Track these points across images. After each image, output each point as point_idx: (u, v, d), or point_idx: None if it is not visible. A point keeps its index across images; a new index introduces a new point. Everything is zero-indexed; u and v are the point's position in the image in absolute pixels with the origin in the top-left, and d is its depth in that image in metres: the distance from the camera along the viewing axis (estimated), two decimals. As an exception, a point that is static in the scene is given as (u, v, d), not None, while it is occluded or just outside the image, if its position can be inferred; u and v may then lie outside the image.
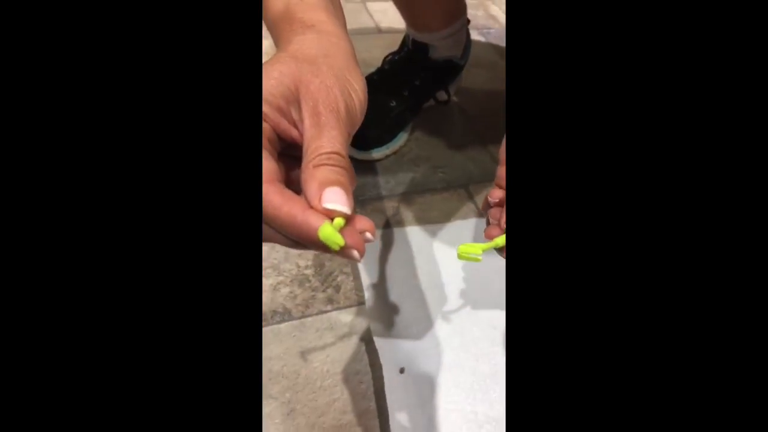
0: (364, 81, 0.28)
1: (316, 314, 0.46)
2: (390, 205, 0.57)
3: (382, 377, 0.41)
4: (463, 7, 0.66)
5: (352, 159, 0.60)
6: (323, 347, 0.43)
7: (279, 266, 0.49)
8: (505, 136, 0.35)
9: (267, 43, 0.73)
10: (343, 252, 0.22)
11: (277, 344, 0.43)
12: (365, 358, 0.43)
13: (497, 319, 0.47)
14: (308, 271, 0.49)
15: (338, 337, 0.44)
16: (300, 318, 0.45)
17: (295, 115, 0.25)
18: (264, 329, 0.44)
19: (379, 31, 0.92)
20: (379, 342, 0.43)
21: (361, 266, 0.49)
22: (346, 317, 0.46)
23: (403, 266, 0.50)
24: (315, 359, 0.42)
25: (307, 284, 0.48)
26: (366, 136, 0.61)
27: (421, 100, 0.67)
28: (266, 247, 0.50)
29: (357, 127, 0.27)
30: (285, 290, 0.47)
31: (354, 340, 0.44)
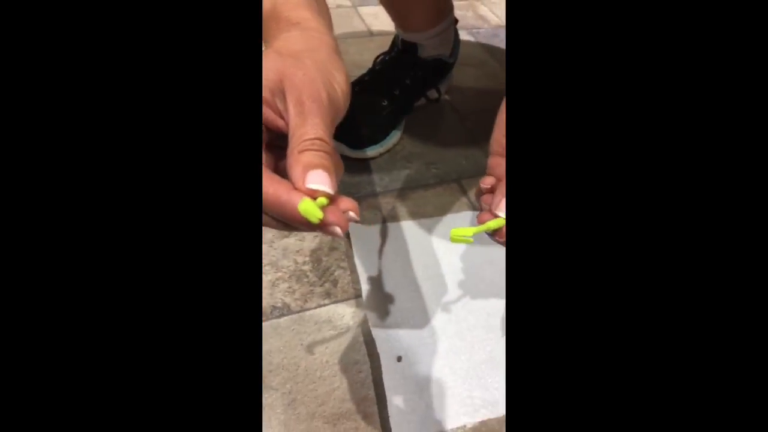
0: (347, 73, 0.29)
1: (315, 308, 0.47)
2: (385, 202, 0.58)
3: (380, 366, 0.42)
4: (449, 7, 0.67)
5: (346, 157, 0.61)
6: (322, 339, 0.44)
7: (277, 263, 0.50)
8: (494, 130, 0.36)
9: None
10: (325, 228, 0.24)
11: (277, 338, 0.44)
12: (363, 349, 0.44)
13: (491, 306, 0.48)
14: (306, 267, 0.50)
15: (336, 329, 0.45)
16: (299, 312, 0.46)
17: (280, 106, 0.26)
18: (264, 324, 0.45)
19: (370, 34, 0.94)
20: (377, 332, 0.44)
21: (357, 260, 0.50)
22: (343, 310, 0.47)
23: (398, 259, 0.51)
24: (314, 351, 0.43)
25: (305, 279, 0.49)
26: (360, 135, 0.62)
27: (413, 99, 0.69)
28: (264, 246, 0.52)
29: (341, 116, 0.28)
30: (284, 286, 0.48)
31: (352, 332, 0.45)
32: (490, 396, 0.41)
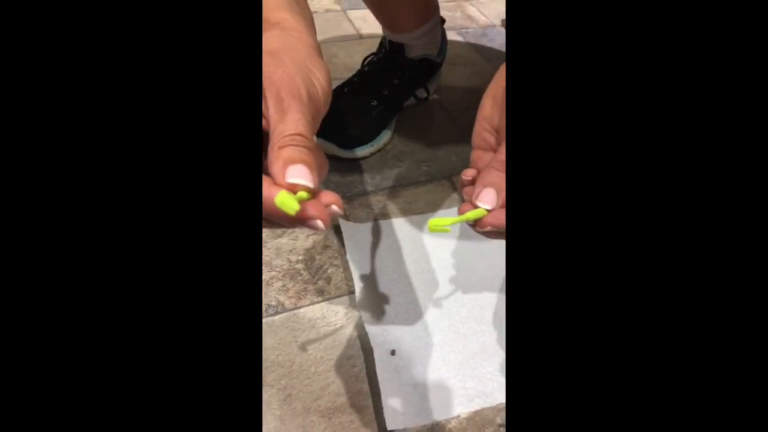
0: (328, 71, 0.30)
1: (308, 305, 0.47)
2: (376, 200, 0.59)
3: (374, 361, 0.42)
4: (434, 7, 0.68)
5: (337, 158, 0.62)
6: (316, 336, 0.45)
7: (271, 263, 0.51)
8: (475, 125, 0.37)
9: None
10: (306, 222, 0.24)
11: (271, 335, 0.45)
12: (357, 344, 0.44)
13: (483, 299, 0.48)
14: (299, 266, 0.51)
15: (330, 326, 0.46)
16: (293, 309, 0.47)
17: (261, 104, 0.27)
18: (258, 322, 0.46)
19: (360, 37, 0.95)
20: (370, 327, 0.45)
21: (349, 258, 0.50)
22: (337, 306, 0.47)
23: (390, 255, 0.52)
24: (309, 347, 0.44)
25: (299, 277, 0.50)
26: (350, 136, 0.63)
27: (402, 99, 0.70)
28: (258, 246, 0.52)
29: (322, 113, 0.29)
30: (278, 284, 0.49)
31: (346, 328, 0.46)
32: (484, 386, 0.42)
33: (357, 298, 0.47)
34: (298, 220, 0.23)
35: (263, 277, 0.49)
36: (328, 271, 0.50)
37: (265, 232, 0.54)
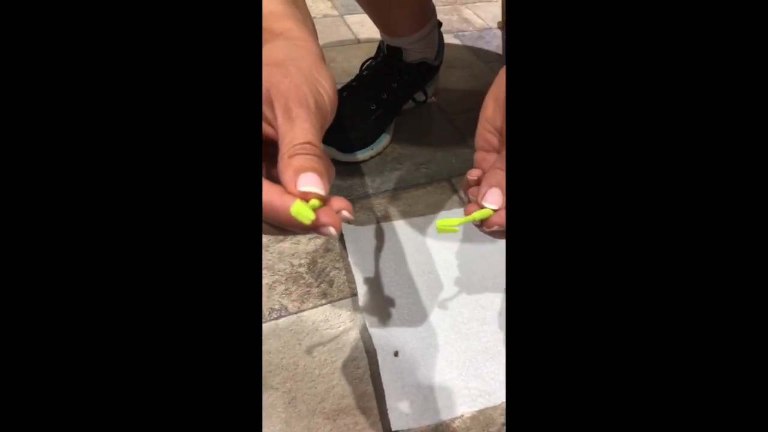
0: (333, 79, 0.30)
1: (312, 308, 0.48)
2: (377, 203, 0.59)
3: (377, 362, 0.43)
4: (431, 11, 0.69)
5: (337, 162, 0.63)
6: (320, 338, 0.45)
7: (273, 267, 0.51)
8: (478, 126, 0.37)
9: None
10: (319, 229, 0.24)
11: (275, 339, 0.45)
12: (361, 345, 0.45)
13: (485, 299, 0.48)
14: (302, 269, 0.51)
15: (334, 328, 0.46)
16: (296, 313, 0.47)
17: (269, 114, 0.27)
18: (263, 325, 0.46)
19: (358, 41, 0.95)
20: (373, 329, 0.45)
21: (352, 261, 0.51)
22: (340, 309, 0.48)
23: (392, 257, 0.52)
24: (313, 350, 0.44)
25: (302, 281, 0.50)
26: (349, 139, 0.63)
27: (401, 102, 0.70)
28: (260, 250, 0.53)
29: (329, 121, 0.29)
30: (281, 288, 0.49)
31: (349, 330, 0.46)
32: (487, 386, 0.42)
33: (360, 301, 0.48)
34: (312, 228, 0.24)
35: (266, 281, 0.50)
36: (331, 274, 0.51)
37: (268, 238, 0.54)
